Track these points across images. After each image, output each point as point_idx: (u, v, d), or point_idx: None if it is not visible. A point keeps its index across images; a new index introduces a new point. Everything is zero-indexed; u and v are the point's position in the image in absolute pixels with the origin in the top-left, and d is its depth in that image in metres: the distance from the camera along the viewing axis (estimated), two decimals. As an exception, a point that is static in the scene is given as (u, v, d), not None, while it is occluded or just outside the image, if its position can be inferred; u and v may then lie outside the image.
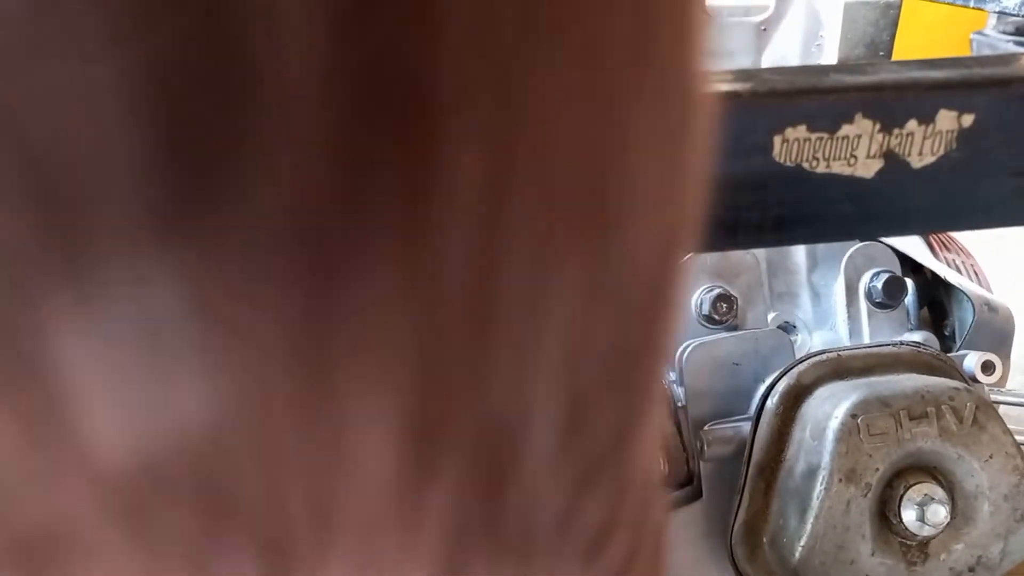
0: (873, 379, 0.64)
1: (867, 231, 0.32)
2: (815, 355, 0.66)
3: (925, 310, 0.84)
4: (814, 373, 0.65)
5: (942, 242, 0.96)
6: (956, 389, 0.61)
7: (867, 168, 0.31)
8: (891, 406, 0.60)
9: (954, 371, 0.67)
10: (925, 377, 0.63)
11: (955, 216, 0.32)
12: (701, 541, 0.68)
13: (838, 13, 1.10)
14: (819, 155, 0.31)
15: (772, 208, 0.32)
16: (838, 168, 0.31)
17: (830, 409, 0.61)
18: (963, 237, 1.00)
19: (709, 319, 0.71)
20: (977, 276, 0.94)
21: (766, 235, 0.32)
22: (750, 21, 1.13)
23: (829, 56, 1.10)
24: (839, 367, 0.65)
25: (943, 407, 0.60)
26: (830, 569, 0.59)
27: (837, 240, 0.68)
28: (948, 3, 0.62)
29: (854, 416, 0.59)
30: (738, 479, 0.66)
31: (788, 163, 0.31)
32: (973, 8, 0.53)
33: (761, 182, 0.31)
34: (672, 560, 0.68)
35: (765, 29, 1.12)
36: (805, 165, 0.31)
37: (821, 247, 0.77)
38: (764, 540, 0.63)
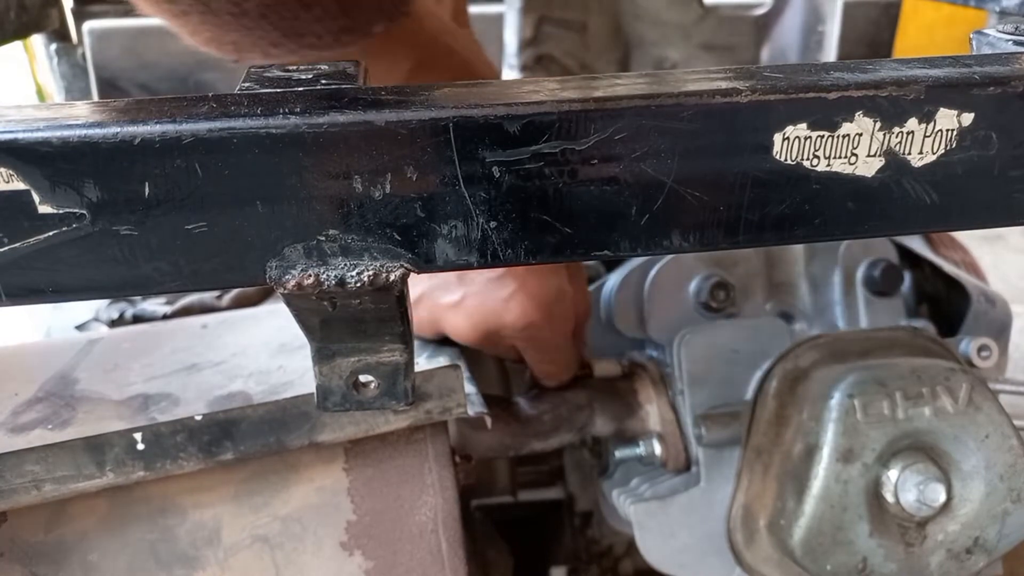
0: (870, 361, 0.64)
1: (868, 230, 0.32)
2: (813, 339, 0.67)
3: (925, 306, 0.85)
4: (812, 356, 0.65)
5: (941, 239, 0.97)
6: (951, 370, 0.61)
7: (867, 167, 0.31)
8: (887, 386, 0.60)
9: (950, 355, 0.67)
10: (921, 359, 0.64)
11: (955, 215, 0.32)
12: (700, 527, 0.69)
13: (837, 7, 1.10)
14: (820, 153, 0.31)
15: (773, 207, 0.32)
16: (839, 167, 0.31)
17: (827, 390, 0.61)
18: (962, 235, 1.01)
19: (707, 307, 0.71)
20: (976, 272, 0.95)
21: (767, 234, 0.32)
22: (749, 15, 1.12)
23: (828, 50, 1.10)
24: (836, 350, 0.65)
25: (938, 387, 0.60)
26: (828, 550, 0.60)
27: (838, 239, 0.68)
28: (948, 2, 0.62)
29: (851, 396, 0.59)
30: (736, 464, 0.66)
31: (789, 161, 0.31)
32: (973, 8, 0.52)
33: (762, 181, 0.31)
34: (671, 549, 0.69)
35: (764, 23, 1.12)
36: (806, 163, 0.31)
37: (819, 235, 0.77)
38: (762, 524, 0.64)
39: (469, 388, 0.57)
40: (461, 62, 0.54)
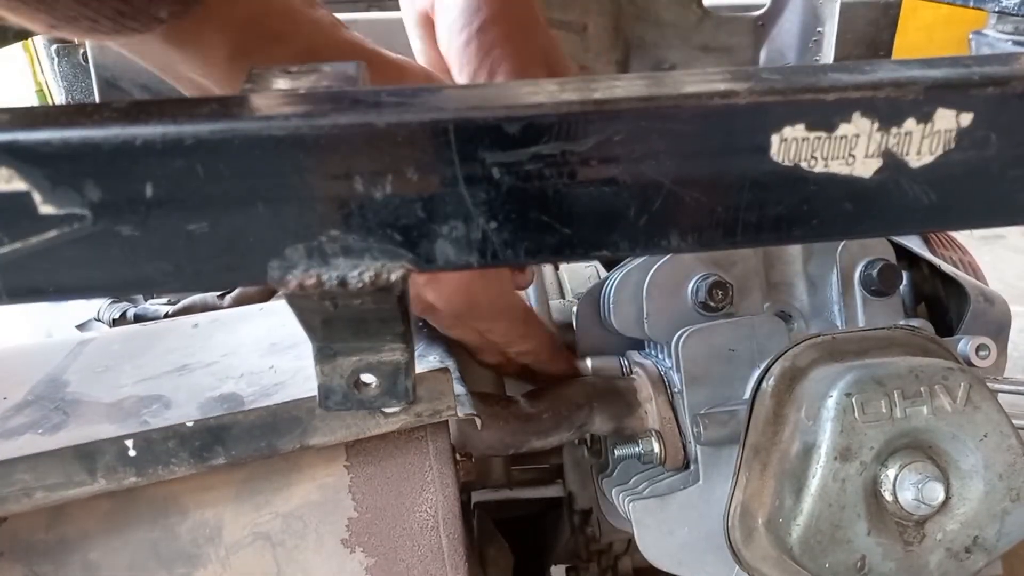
0: (868, 360, 0.64)
1: (866, 230, 0.32)
2: (810, 338, 0.67)
3: (923, 306, 0.85)
4: (809, 355, 0.66)
5: (940, 239, 0.98)
6: (950, 369, 0.61)
7: (865, 168, 0.31)
8: (885, 385, 0.60)
9: (948, 354, 0.67)
10: (919, 358, 0.64)
11: (954, 215, 0.32)
12: (699, 525, 0.69)
13: (835, 7, 1.10)
14: (817, 154, 0.31)
15: (770, 208, 0.32)
16: (836, 168, 0.31)
17: (825, 389, 0.61)
18: (962, 235, 1.01)
19: (705, 307, 0.71)
20: (974, 272, 0.96)
21: (765, 234, 0.32)
22: (748, 16, 1.12)
23: (827, 51, 1.10)
24: (834, 349, 0.65)
25: (936, 387, 0.60)
26: (827, 549, 0.60)
27: (836, 240, 0.69)
28: (947, 3, 0.62)
29: (848, 395, 0.60)
30: (734, 462, 0.66)
31: (786, 162, 0.31)
32: (973, 8, 0.52)
33: (759, 182, 0.31)
34: (670, 547, 0.69)
35: (763, 24, 1.12)
36: (803, 164, 0.31)
37: (817, 235, 0.77)
38: (760, 522, 0.64)
39: (459, 389, 0.57)
40: (304, 48, 0.48)
